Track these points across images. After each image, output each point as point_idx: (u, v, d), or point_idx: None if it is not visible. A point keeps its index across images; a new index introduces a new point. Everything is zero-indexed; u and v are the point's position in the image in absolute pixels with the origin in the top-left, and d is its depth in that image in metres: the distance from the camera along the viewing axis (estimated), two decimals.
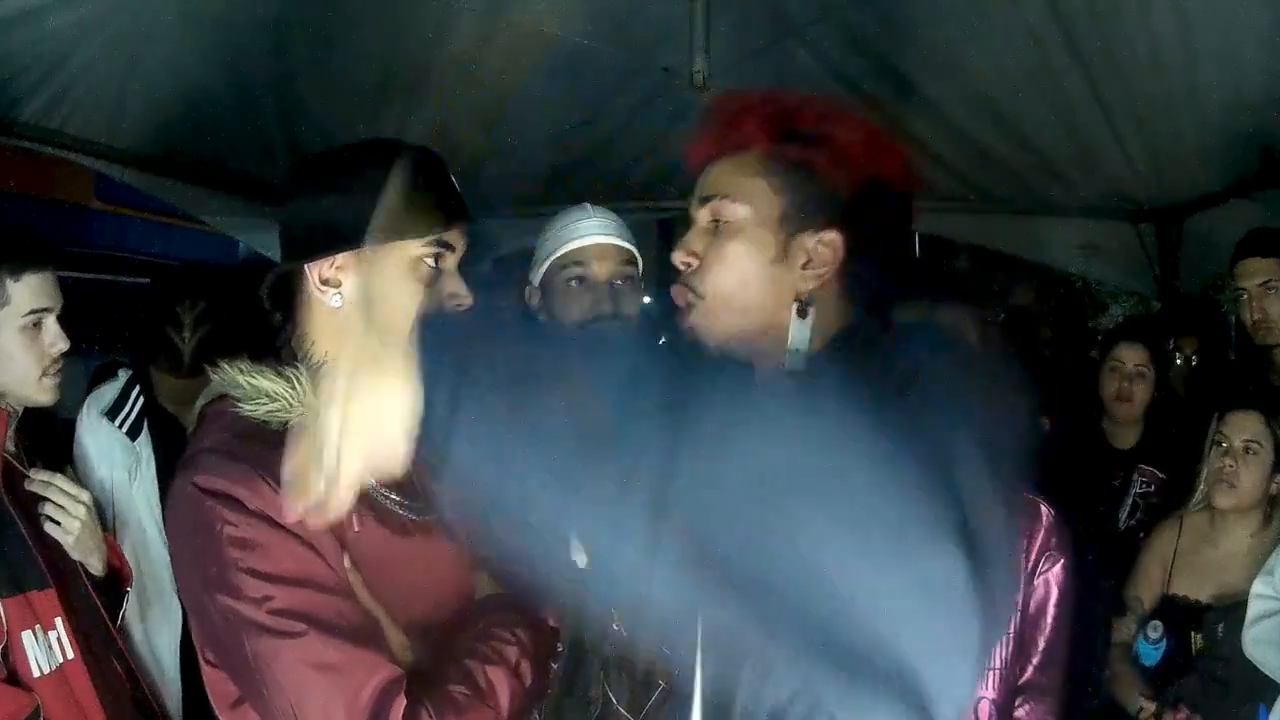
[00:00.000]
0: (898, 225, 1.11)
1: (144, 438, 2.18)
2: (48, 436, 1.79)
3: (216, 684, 1.17)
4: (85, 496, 1.66)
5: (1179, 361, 3.10)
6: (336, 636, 1.07)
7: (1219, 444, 2.13)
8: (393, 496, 1.21)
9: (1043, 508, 1.61)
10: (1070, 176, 3.57)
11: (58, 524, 1.61)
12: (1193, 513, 2.22)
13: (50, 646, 1.56)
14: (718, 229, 1.10)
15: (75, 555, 1.65)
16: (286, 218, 1.24)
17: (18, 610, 1.53)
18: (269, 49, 2.70)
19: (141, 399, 2.21)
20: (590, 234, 1.69)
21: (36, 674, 1.53)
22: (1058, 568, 1.60)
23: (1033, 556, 1.59)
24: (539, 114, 3.22)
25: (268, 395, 1.16)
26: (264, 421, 1.14)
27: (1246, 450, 2.09)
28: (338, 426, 0.85)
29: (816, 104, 1.10)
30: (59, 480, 1.63)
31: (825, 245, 1.07)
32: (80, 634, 1.61)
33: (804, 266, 1.07)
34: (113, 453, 2.14)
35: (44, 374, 1.64)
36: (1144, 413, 2.72)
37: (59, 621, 1.57)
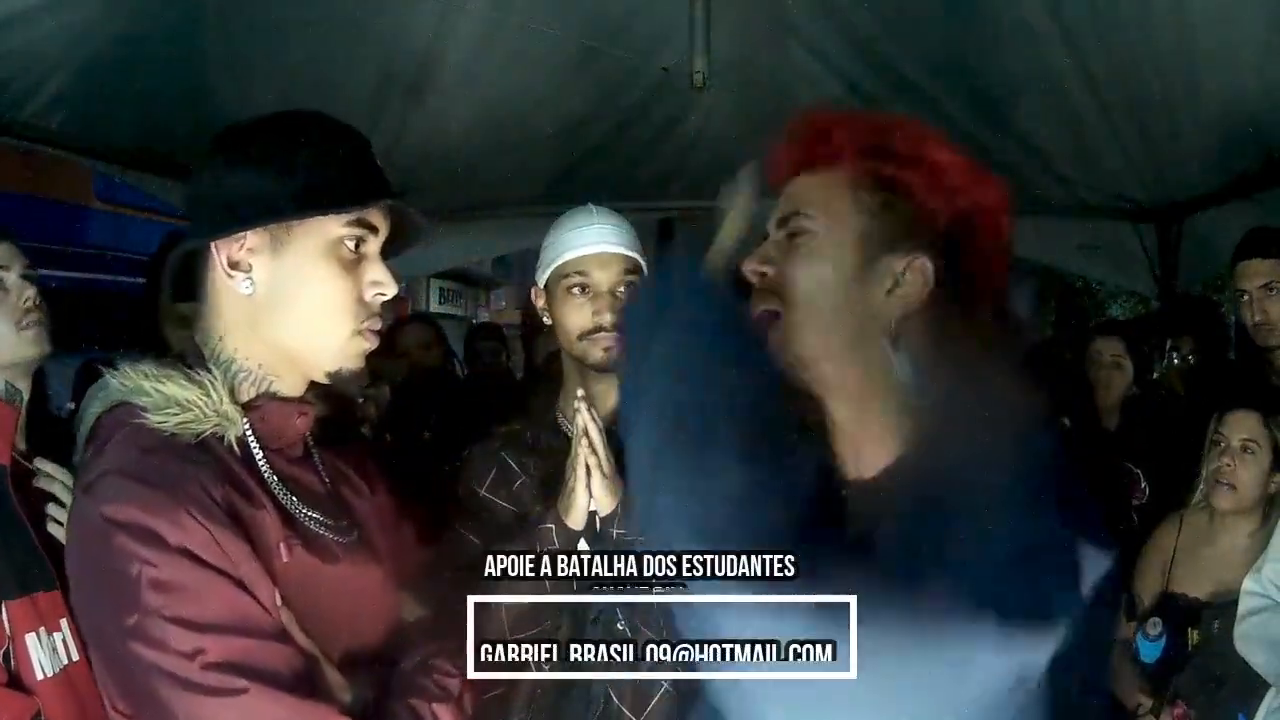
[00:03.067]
0: (994, 263, 1.03)
1: None
2: (52, 436, 1.79)
3: None
4: None
5: (1178, 360, 3.11)
6: (280, 690, 0.96)
7: (1217, 444, 2.13)
8: (315, 515, 1.11)
9: None
10: (1070, 176, 3.57)
11: (60, 524, 1.60)
12: (1193, 512, 2.22)
13: (55, 648, 1.53)
14: (793, 243, 1.02)
15: None
16: (193, 192, 1.11)
17: (22, 612, 1.51)
18: (269, 49, 2.70)
19: None
20: (592, 243, 1.67)
21: (40, 676, 1.50)
22: None
23: None
24: (539, 114, 3.23)
25: (179, 404, 1.03)
26: (174, 434, 1.02)
27: (1244, 450, 2.10)
28: None
29: (910, 124, 1.04)
30: (64, 476, 1.63)
31: (915, 272, 0.99)
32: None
33: (889, 291, 0.99)
34: None
35: (20, 327, 1.62)
36: (1120, 403, 2.75)
37: (64, 623, 1.55)
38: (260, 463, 1.08)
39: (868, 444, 1.02)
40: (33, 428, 1.69)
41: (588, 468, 1.54)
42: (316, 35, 2.70)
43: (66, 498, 1.58)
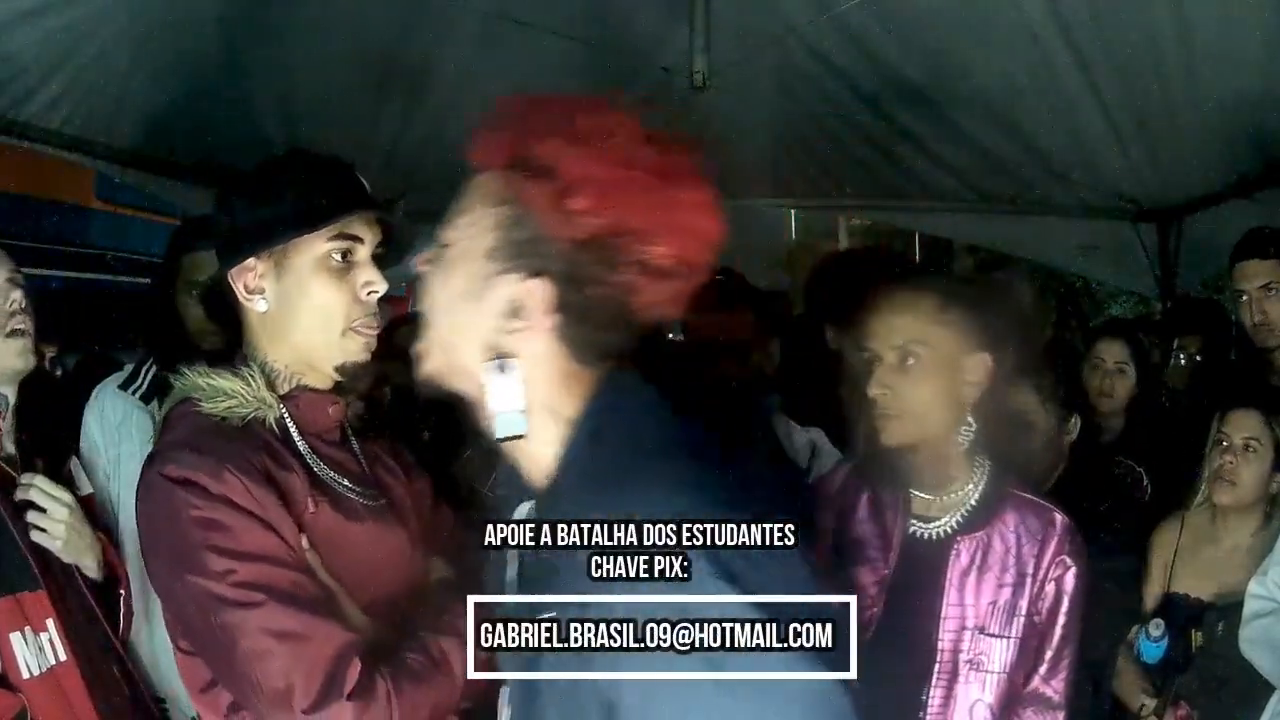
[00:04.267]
0: (662, 295, 0.92)
1: (156, 405, 2.19)
2: (50, 434, 1.78)
3: (188, 670, 1.25)
4: (67, 498, 1.62)
5: (1182, 360, 3.10)
6: (293, 606, 1.14)
7: (1220, 442, 2.13)
8: (344, 483, 1.29)
9: (1056, 515, 1.59)
10: (1070, 176, 3.57)
11: (43, 530, 1.59)
12: (1194, 512, 2.22)
13: (41, 648, 1.53)
14: (437, 252, 0.98)
15: (66, 558, 1.62)
16: (213, 232, 1.34)
17: (7, 611, 1.51)
18: (269, 49, 2.70)
19: (154, 370, 2.22)
20: None
21: (26, 675, 1.51)
22: (1069, 575, 1.56)
23: (1044, 562, 1.57)
24: None
25: (225, 393, 1.25)
26: (224, 418, 1.24)
27: (1246, 448, 2.10)
28: None
29: (581, 120, 0.92)
30: (39, 481, 1.61)
31: (530, 295, 0.91)
32: (74, 636, 1.58)
33: (508, 314, 0.92)
34: (128, 422, 2.14)
35: (5, 333, 1.61)
36: (1125, 407, 2.74)
37: (50, 623, 1.55)
38: (297, 441, 1.27)
39: (533, 470, 0.98)
40: (24, 428, 1.69)
41: None
42: (316, 35, 2.71)
43: (45, 503, 1.59)
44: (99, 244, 6.23)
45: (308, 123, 3.01)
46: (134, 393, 2.17)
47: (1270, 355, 2.42)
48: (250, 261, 1.26)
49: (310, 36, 2.71)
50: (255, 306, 1.27)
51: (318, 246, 1.25)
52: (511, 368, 0.93)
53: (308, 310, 1.26)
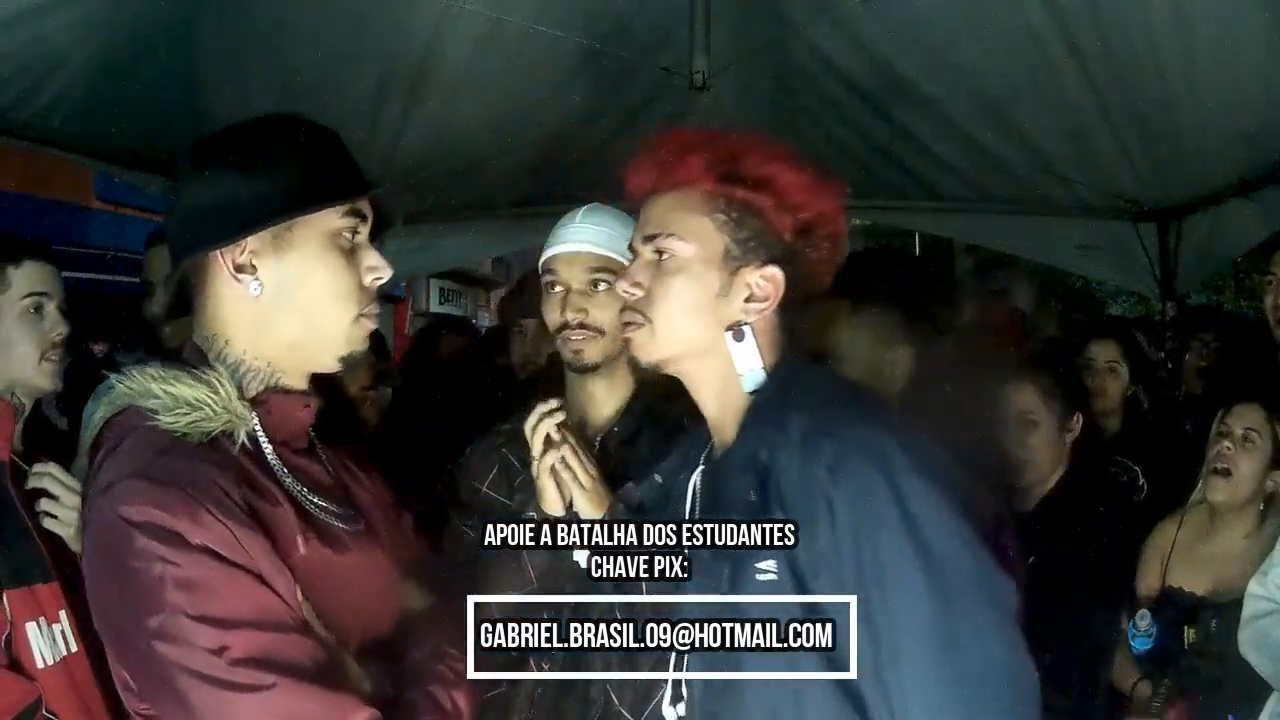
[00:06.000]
0: (831, 258, 1.21)
1: None
2: (52, 435, 1.80)
3: None
4: (78, 486, 1.66)
5: (1205, 353, 3.09)
6: (307, 682, 0.97)
7: (1221, 435, 2.14)
8: (323, 505, 1.13)
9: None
10: (1070, 176, 3.57)
11: (55, 517, 1.62)
12: (1193, 510, 2.23)
13: (54, 639, 1.56)
14: (661, 263, 1.16)
15: (76, 547, 1.65)
16: (190, 203, 1.12)
17: (22, 602, 1.54)
18: (269, 49, 2.70)
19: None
20: (561, 241, 1.65)
21: (40, 665, 1.53)
22: None
23: None
24: (539, 114, 3.23)
25: (189, 404, 1.04)
26: (185, 434, 1.03)
27: (1245, 439, 2.10)
28: None
29: (759, 146, 1.18)
30: (53, 469, 1.64)
31: (768, 281, 1.15)
32: (85, 627, 1.60)
33: (747, 300, 1.15)
34: None
35: (43, 358, 1.65)
36: (1120, 406, 2.75)
37: (63, 614, 1.58)
38: (271, 458, 1.10)
39: (727, 426, 1.17)
40: (31, 428, 1.70)
41: (557, 473, 1.51)
42: (316, 35, 2.71)
43: (57, 490, 1.61)
44: (99, 244, 6.23)
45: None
46: None
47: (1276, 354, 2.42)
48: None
49: (311, 36, 2.71)
50: (247, 290, 1.08)
51: (331, 221, 1.10)
52: (745, 334, 1.15)
53: (317, 293, 1.10)
